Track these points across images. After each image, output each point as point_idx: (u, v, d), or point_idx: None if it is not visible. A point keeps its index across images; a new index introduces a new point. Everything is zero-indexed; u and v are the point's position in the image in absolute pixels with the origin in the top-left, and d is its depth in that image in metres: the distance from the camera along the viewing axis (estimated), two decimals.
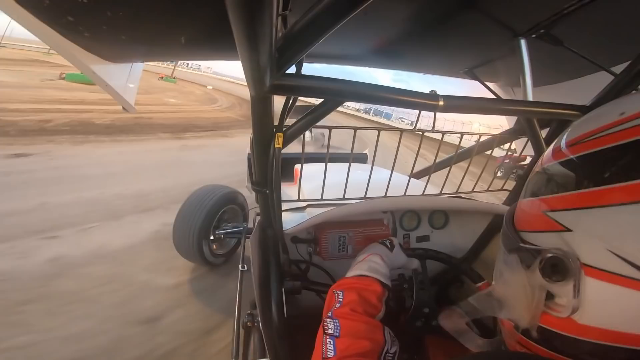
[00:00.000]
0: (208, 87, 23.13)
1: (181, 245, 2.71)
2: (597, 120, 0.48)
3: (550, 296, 0.48)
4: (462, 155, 1.76)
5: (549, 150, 0.55)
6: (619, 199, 0.40)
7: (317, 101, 0.99)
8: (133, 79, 1.42)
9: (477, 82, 1.54)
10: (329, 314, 0.77)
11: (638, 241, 0.39)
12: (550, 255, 0.46)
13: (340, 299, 0.81)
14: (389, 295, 0.89)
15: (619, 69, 1.06)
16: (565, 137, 0.52)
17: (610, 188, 0.41)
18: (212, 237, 2.78)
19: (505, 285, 0.56)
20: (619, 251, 0.39)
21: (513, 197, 1.49)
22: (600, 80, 1.11)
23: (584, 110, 1.09)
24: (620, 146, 0.42)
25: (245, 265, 1.66)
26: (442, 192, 1.57)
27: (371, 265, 0.94)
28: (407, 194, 1.43)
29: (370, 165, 1.42)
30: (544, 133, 1.32)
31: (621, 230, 0.40)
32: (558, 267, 0.45)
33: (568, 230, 0.45)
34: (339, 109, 1.33)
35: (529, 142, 1.35)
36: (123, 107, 1.48)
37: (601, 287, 0.42)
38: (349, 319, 0.75)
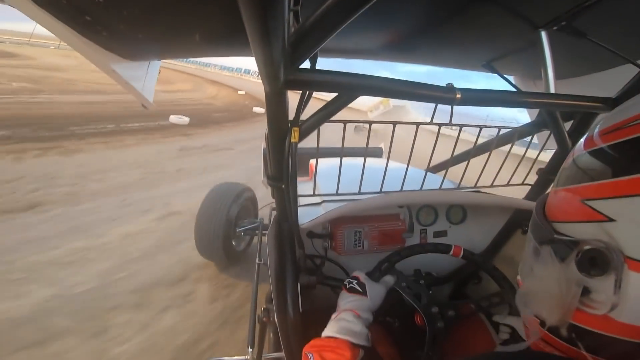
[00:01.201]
0: (239, 91, 22.93)
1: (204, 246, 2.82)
2: None
3: (585, 291, 0.44)
4: (481, 148, 1.72)
5: (588, 137, 0.50)
6: None
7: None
8: (151, 76, 1.45)
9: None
10: None
11: None
12: (588, 247, 0.42)
13: None
14: (364, 355, 0.87)
15: None
16: (607, 122, 0.48)
17: None
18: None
19: (536, 279, 0.52)
20: None
21: (535, 191, 1.46)
22: (625, 73, 1.06)
23: (609, 103, 1.05)
24: None
25: (262, 259, 1.68)
26: (460, 186, 1.54)
27: (342, 324, 0.90)
28: (423, 189, 1.42)
29: (386, 160, 1.41)
30: (566, 126, 1.28)
31: None
32: (597, 260, 0.42)
33: (611, 220, 0.41)
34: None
35: (551, 135, 1.31)
36: (142, 104, 1.51)
37: None
38: None
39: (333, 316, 0.96)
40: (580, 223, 0.46)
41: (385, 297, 1.01)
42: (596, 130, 0.49)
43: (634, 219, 0.39)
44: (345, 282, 1.04)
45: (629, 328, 0.41)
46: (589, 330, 0.44)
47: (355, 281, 1.02)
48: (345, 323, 0.90)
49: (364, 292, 0.98)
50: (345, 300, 0.98)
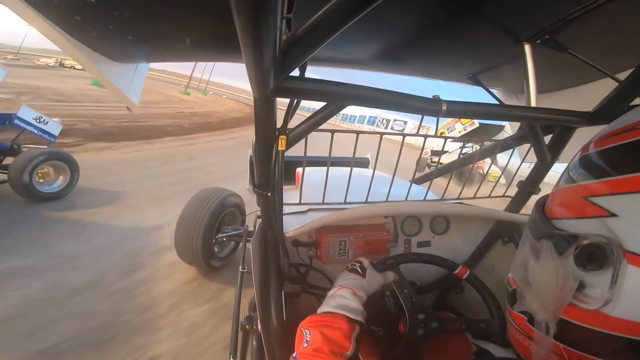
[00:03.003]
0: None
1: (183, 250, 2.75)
2: None
3: (579, 286, 0.45)
4: (465, 161, 1.75)
5: (594, 138, 0.52)
6: None
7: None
8: (138, 79, 1.43)
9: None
10: (294, 355, 0.76)
11: None
12: (587, 242, 0.43)
13: (307, 338, 0.79)
14: (360, 331, 0.86)
15: (623, 76, 1.06)
16: (616, 124, 0.50)
17: None
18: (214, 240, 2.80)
19: (532, 274, 0.52)
20: None
21: (515, 204, 1.49)
22: (602, 87, 1.10)
23: (587, 117, 1.09)
24: None
25: (246, 267, 1.66)
26: (444, 197, 1.56)
27: (339, 301, 0.91)
28: (408, 199, 1.43)
29: (372, 170, 1.42)
30: (547, 140, 1.31)
31: None
32: (596, 255, 0.42)
33: (613, 215, 0.42)
34: None
35: (532, 148, 1.34)
36: (127, 107, 1.49)
37: None
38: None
39: (329, 294, 0.97)
40: (580, 219, 0.47)
41: (375, 302, 1.02)
42: (601, 132, 0.51)
43: (635, 214, 0.40)
44: (348, 265, 1.07)
45: (621, 323, 0.41)
46: (579, 325, 0.45)
47: (358, 264, 1.05)
48: (342, 299, 0.91)
49: (363, 275, 1.01)
50: (344, 279, 1.01)
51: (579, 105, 1.12)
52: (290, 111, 0.97)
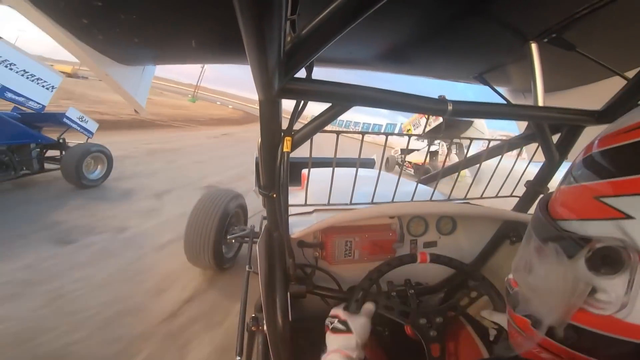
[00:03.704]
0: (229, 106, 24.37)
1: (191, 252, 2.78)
2: None
3: (591, 290, 0.42)
4: (471, 160, 1.74)
5: (601, 136, 0.49)
6: None
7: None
8: (145, 82, 1.45)
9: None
10: None
11: None
12: (601, 245, 0.40)
13: None
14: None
15: (631, 74, 1.05)
16: (628, 120, 0.46)
17: None
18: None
19: (537, 278, 0.49)
20: None
21: (523, 203, 1.47)
22: (611, 86, 1.09)
23: (596, 115, 1.07)
24: None
25: (252, 266, 1.66)
26: (450, 197, 1.55)
27: None
28: (414, 200, 1.42)
29: (378, 171, 1.41)
30: (555, 139, 1.30)
31: None
32: (610, 259, 0.39)
33: (628, 217, 0.39)
34: None
35: (540, 147, 1.33)
36: (135, 110, 1.51)
37: None
38: None
39: (322, 358, 0.91)
40: (591, 221, 0.44)
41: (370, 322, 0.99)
42: (614, 128, 0.47)
43: None
44: (326, 322, 1.01)
45: (635, 328, 0.39)
46: (589, 330, 0.43)
47: (336, 319, 0.99)
48: None
49: (348, 330, 0.94)
50: (331, 344, 0.93)
51: (587, 103, 1.10)
52: (296, 113, 0.97)
